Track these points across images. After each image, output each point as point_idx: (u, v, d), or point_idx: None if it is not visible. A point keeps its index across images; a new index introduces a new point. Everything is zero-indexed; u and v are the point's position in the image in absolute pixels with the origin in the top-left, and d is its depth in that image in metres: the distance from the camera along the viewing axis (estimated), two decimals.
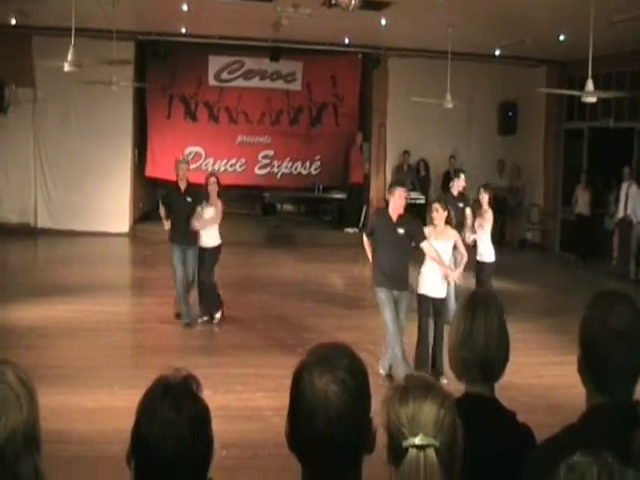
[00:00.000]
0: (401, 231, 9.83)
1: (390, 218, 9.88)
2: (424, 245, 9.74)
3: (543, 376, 10.02)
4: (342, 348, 2.27)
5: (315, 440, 2.12)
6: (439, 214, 9.95)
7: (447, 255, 10.19)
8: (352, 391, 2.14)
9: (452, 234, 10.15)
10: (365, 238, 10.29)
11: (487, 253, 12.89)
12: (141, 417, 2.52)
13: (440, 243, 9.89)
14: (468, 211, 13.54)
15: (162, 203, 12.64)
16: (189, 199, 12.49)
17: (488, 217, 12.85)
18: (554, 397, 8.93)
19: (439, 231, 9.98)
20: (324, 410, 2.11)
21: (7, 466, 2.32)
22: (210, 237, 12.40)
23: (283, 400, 7.99)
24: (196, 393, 2.58)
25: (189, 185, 12.65)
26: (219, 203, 12.35)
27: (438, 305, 9.86)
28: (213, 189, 12.30)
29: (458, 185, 13.82)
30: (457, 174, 14.30)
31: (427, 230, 9.95)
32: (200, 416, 2.54)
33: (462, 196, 13.92)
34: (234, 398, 8.69)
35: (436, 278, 9.80)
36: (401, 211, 9.89)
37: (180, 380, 2.58)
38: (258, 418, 8.55)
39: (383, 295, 9.80)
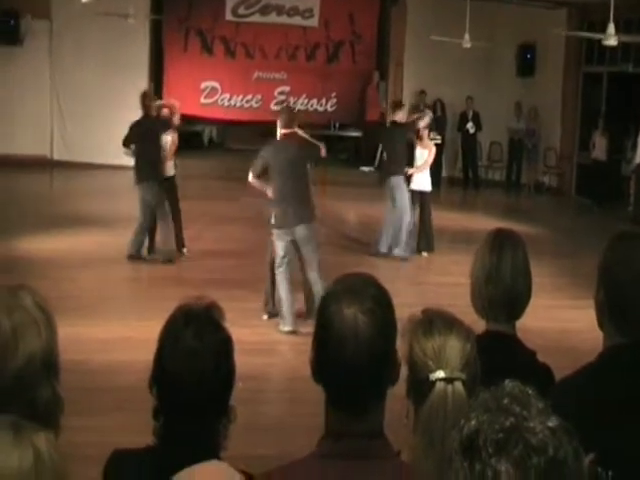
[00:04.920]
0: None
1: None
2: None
3: (556, 319, 10.01)
4: (368, 278, 2.26)
5: (343, 369, 2.11)
6: None
7: None
8: (380, 321, 2.13)
9: None
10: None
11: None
12: (163, 345, 2.54)
13: None
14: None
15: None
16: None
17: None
18: (567, 340, 8.96)
19: None
20: (353, 339, 2.09)
21: (26, 392, 2.34)
22: None
23: (298, 335, 8.10)
24: (218, 321, 2.59)
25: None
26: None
27: None
28: None
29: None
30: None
31: None
32: (223, 344, 2.55)
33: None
34: (250, 332, 8.72)
35: None
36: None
37: (202, 308, 2.59)
38: (273, 352, 8.67)
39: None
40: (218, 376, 2.50)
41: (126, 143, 12.29)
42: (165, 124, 12.35)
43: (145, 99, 12.31)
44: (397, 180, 13.06)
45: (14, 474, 1.70)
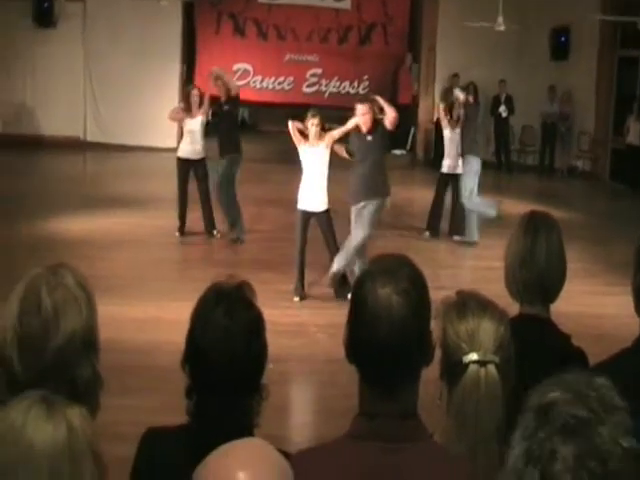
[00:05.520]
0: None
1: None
2: None
3: (591, 305, 9.92)
4: (403, 259, 2.25)
5: (376, 349, 2.10)
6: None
7: None
8: (414, 301, 2.11)
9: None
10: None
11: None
12: (195, 323, 2.55)
13: None
14: None
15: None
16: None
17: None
18: (601, 326, 8.88)
19: None
20: (387, 319, 2.08)
21: (66, 370, 2.35)
22: None
23: (329, 317, 8.09)
24: (249, 300, 2.59)
25: None
26: None
27: None
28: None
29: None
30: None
31: None
32: (253, 322, 2.55)
33: None
34: (280, 314, 8.74)
35: None
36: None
37: (233, 287, 2.59)
38: (304, 334, 8.66)
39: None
40: (249, 354, 2.50)
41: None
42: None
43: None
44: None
45: (48, 448, 1.71)
